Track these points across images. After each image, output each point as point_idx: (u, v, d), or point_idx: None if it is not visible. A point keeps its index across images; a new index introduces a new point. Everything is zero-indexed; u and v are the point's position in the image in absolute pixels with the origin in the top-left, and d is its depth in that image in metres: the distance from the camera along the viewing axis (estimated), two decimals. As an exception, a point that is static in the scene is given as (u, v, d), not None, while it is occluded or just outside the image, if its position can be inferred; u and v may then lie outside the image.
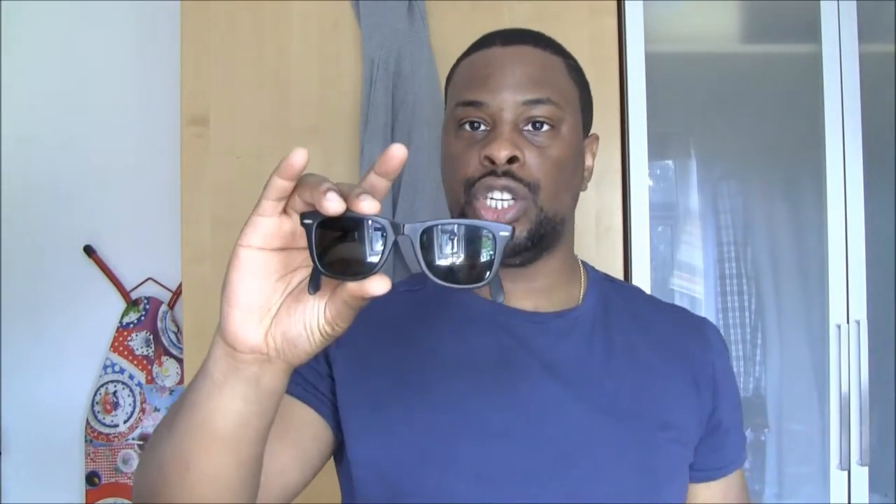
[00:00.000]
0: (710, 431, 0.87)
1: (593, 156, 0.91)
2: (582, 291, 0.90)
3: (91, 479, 1.79)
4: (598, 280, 0.93)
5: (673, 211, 1.86)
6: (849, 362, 1.52)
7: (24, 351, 1.83)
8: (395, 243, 0.50)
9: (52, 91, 1.85)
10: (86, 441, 1.79)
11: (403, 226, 0.51)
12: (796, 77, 1.69)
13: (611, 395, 0.82)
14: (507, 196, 0.79)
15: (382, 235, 0.50)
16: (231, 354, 0.54)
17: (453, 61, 0.89)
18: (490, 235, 0.51)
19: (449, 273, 0.52)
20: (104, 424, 1.80)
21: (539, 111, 0.81)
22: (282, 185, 0.50)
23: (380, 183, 0.51)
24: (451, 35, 1.50)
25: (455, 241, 0.52)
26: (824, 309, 1.56)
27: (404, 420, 0.79)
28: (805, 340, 1.71)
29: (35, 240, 1.85)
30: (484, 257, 0.52)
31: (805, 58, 1.60)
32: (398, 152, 0.50)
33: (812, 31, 1.57)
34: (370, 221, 0.50)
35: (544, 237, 0.82)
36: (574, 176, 0.85)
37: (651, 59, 1.53)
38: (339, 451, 0.83)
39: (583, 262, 0.94)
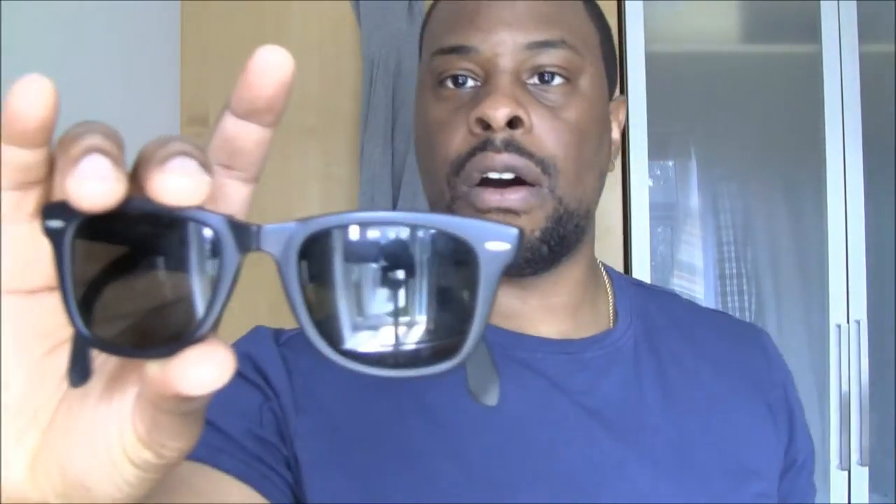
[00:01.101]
0: (785, 469, 0.66)
1: (620, 126, 0.67)
2: (611, 305, 0.68)
3: (91, 479, 1.78)
4: (626, 287, 0.70)
5: (673, 211, 1.86)
6: (849, 362, 1.52)
7: (24, 351, 1.83)
8: (240, 271, 0.24)
9: (52, 91, 1.85)
10: (86, 441, 1.79)
11: (259, 230, 0.24)
12: (796, 77, 1.68)
13: (679, 447, 0.60)
14: (507, 177, 0.57)
15: (213, 252, 0.23)
16: None
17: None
18: (466, 250, 0.23)
19: (367, 344, 0.24)
20: (104, 424, 1.79)
21: (549, 58, 0.58)
22: (18, 158, 0.24)
23: (239, 131, 0.26)
24: (451, 35, 1.50)
25: (381, 269, 0.23)
26: (824, 309, 1.56)
27: None
28: (805, 340, 1.71)
29: (35, 240, 1.84)
30: (451, 305, 0.23)
31: (805, 58, 1.59)
32: (269, 58, 0.25)
33: (812, 31, 1.57)
34: (189, 222, 0.23)
35: (565, 238, 0.59)
36: (599, 150, 0.61)
37: (651, 59, 1.53)
38: None
39: (603, 265, 0.71)
